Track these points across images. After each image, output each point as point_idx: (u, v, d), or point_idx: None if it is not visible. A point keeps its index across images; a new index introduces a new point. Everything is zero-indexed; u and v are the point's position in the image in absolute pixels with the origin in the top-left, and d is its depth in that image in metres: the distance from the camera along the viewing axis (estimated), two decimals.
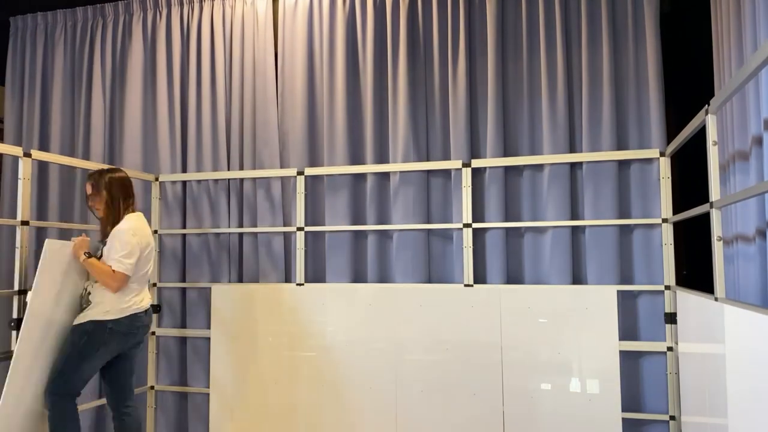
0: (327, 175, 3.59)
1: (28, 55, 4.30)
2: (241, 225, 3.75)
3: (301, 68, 3.72)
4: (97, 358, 2.72)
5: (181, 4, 4.01)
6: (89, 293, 2.77)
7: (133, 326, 2.79)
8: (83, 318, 2.71)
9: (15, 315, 2.78)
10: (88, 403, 3.44)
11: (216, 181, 3.78)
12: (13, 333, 2.77)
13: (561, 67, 3.28)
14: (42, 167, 4.08)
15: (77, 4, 4.21)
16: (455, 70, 3.44)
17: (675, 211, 3.03)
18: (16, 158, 4.08)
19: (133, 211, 2.89)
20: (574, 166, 3.27)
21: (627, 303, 3.12)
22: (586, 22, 3.26)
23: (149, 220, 3.84)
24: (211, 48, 3.91)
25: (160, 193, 3.85)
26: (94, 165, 3.33)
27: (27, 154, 2.92)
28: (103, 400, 3.08)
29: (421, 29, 3.53)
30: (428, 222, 3.45)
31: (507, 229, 3.31)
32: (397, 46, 3.55)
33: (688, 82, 3.40)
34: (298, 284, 3.50)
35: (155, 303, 3.79)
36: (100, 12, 4.18)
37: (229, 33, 3.91)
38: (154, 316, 3.79)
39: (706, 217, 2.27)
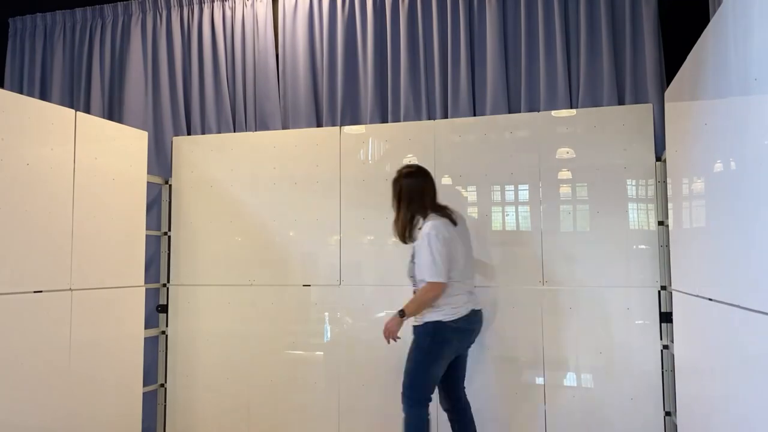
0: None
1: (27, 56, 4.31)
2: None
3: (303, 71, 3.76)
4: (443, 358, 2.77)
5: (181, 6, 4.03)
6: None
7: (471, 323, 2.84)
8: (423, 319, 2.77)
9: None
10: None
11: None
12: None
13: (561, 69, 3.33)
14: None
15: (76, 6, 4.23)
16: (456, 72, 3.48)
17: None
18: None
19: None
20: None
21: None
22: (585, 25, 3.32)
23: (159, 222, 3.88)
24: (213, 50, 3.94)
25: (170, 196, 3.89)
26: None
27: None
28: None
29: (420, 31, 3.57)
30: None
31: None
32: (397, 48, 3.59)
33: None
34: (304, 285, 3.57)
35: (163, 303, 3.82)
36: (99, 13, 4.20)
37: (230, 35, 3.93)
38: (161, 316, 3.83)
39: None
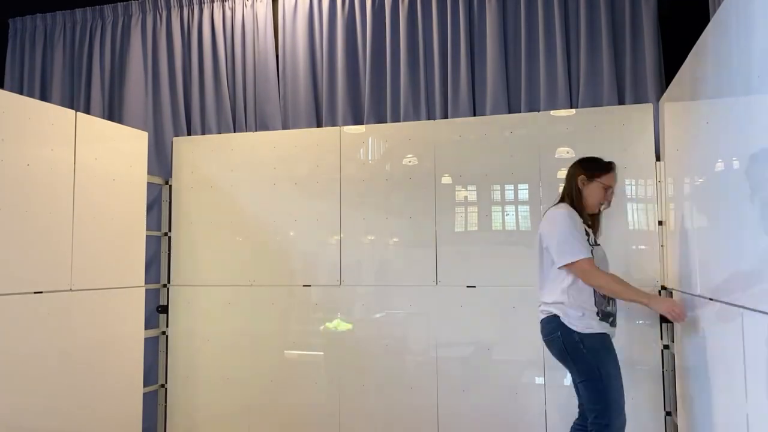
0: None
1: (27, 57, 4.31)
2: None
3: (303, 71, 3.76)
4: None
5: (181, 7, 4.03)
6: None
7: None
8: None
9: None
10: None
11: None
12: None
13: (561, 69, 3.33)
14: None
15: (76, 6, 4.23)
16: (456, 72, 3.48)
17: None
18: None
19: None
20: None
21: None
22: (585, 25, 3.32)
23: (159, 223, 3.88)
24: (213, 51, 3.94)
25: (170, 196, 3.88)
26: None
27: None
28: None
29: (420, 31, 3.57)
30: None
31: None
32: (397, 48, 3.60)
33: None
34: (304, 285, 3.56)
35: (163, 303, 3.82)
36: (99, 14, 4.20)
37: (230, 36, 3.94)
38: (162, 317, 3.82)
39: None
